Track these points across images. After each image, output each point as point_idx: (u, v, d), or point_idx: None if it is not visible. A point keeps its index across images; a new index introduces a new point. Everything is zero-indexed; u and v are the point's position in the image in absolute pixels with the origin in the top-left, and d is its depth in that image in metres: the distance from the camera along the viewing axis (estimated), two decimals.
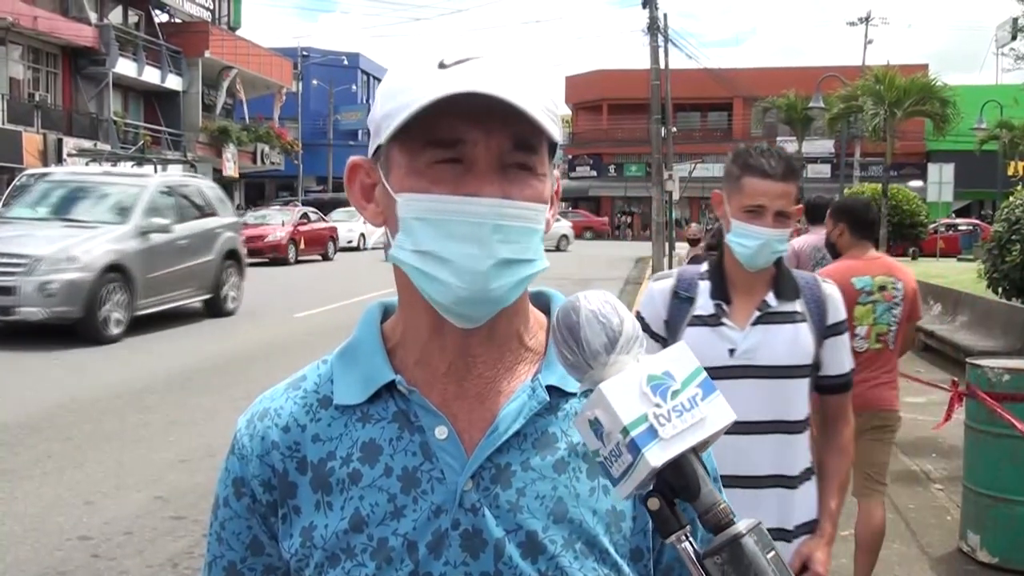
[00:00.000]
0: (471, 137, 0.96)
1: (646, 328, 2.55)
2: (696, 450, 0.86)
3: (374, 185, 1.06)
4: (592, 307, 0.92)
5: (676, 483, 0.86)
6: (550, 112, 0.98)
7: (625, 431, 0.85)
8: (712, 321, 2.54)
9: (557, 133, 0.99)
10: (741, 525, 0.84)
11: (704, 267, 2.65)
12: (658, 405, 0.86)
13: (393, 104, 0.98)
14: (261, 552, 1.10)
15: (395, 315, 1.12)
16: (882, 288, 4.32)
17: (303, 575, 1.05)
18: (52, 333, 11.78)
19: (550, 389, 1.05)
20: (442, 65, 0.97)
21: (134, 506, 5.97)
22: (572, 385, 1.03)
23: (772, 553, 0.83)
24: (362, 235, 34.52)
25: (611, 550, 1.03)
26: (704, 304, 2.56)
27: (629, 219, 57.85)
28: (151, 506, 5.97)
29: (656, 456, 0.84)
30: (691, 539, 0.86)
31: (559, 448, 1.04)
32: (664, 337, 2.58)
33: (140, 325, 12.93)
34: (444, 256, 0.97)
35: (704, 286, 2.58)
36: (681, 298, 2.59)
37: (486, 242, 0.96)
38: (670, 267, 11.10)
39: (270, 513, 1.08)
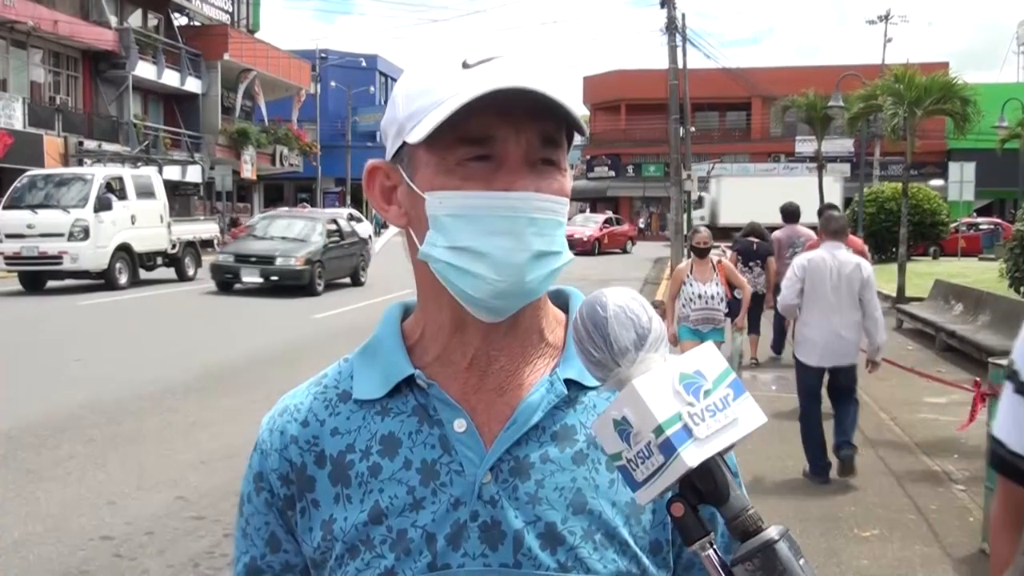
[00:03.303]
0: (502, 134, 0.98)
1: None
2: (721, 453, 0.84)
3: (394, 187, 1.06)
4: (620, 303, 0.90)
5: (704, 487, 0.84)
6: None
7: (659, 430, 0.82)
8: None
9: (582, 128, 1.01)
10: (773, 531, 0.81)
11: None
12: (691, 404, 0.83)
13: (417, 105, 0.99)
14: (278, 548, 1.11)
15: (415, 313, 1.13)
16: None
17: (325, 568, 1.06)
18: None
19: (568, 383, 1.06)
20: (466, 65, 0.98)
21: (155, 506, 6.01)
22: (590, 379, 1.03)
23: (803, 560, 0.81)
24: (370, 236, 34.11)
25: (631, 542, 1.03)
26: None
27: None
28: (172, 506, 6.01)
29: (693, 456, 0.82)
30: (715, 546, 0.85)
31: (578, 440, 1.04)
32: None
33: (162, 326, 12.97)
34: (482, 251, 0.98)
35: None
36: None
37: (522, 235, 0.98)
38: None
39: (288, 507, 1.09)
